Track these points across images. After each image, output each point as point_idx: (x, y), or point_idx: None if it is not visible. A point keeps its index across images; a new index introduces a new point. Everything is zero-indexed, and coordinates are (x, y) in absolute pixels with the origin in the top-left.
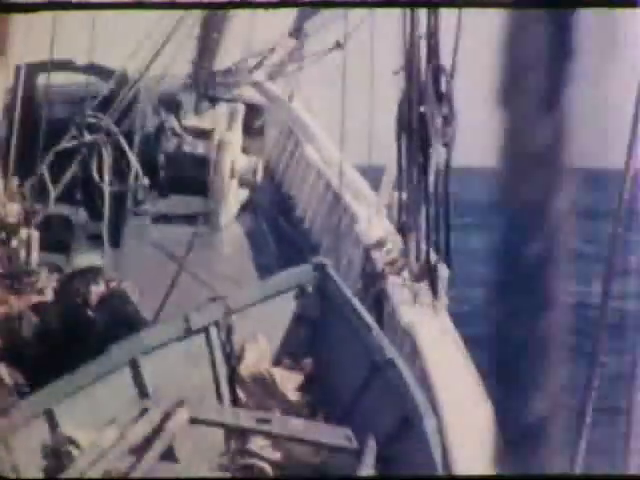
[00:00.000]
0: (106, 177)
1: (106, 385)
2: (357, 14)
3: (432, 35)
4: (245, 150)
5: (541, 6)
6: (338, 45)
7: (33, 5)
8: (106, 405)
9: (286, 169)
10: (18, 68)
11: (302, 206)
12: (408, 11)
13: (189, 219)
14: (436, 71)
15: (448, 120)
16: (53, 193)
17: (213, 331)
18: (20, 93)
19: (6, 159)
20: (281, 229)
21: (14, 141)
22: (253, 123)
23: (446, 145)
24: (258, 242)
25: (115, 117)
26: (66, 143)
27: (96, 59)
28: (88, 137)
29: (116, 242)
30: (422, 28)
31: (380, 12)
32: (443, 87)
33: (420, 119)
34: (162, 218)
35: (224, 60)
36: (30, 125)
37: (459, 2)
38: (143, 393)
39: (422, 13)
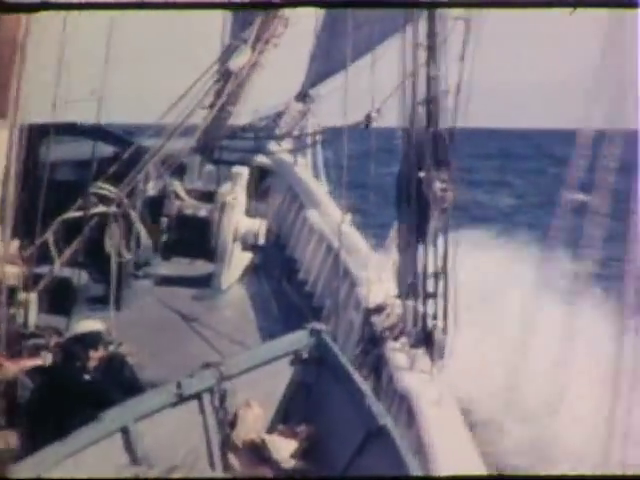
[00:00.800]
0: (113, 247)
1: (97, 452)
2: (360, 84)
3: (431, 100)
4: (249, 213)
5: (544, 6)
6: (369, 119)
7: (33, 5)
8: (96, 472)
9: (289, 232)
10: (20, 130)
11: (305, 269)
12: (409, 77)
13: (192, 281)
14: (435, 137)
15: (447, 185)
16: (58, 260)
17: (206, 398)
18: (22, 155)
19: (5, 222)
20: (284, 292)
21: (14, 203)
22: (258, 186)
23: (444, 210)
24: (261, 305)
25: (127, 191)
26: (75, 212)
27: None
28: (98, 208)
29: (118, 305)
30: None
31: (382, 77)
32: (442, 153)
33: (418, 184)
34: (165, 281)
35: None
36: (31, 188)
37: None
38: (134, 460)
39: (422, 79)
